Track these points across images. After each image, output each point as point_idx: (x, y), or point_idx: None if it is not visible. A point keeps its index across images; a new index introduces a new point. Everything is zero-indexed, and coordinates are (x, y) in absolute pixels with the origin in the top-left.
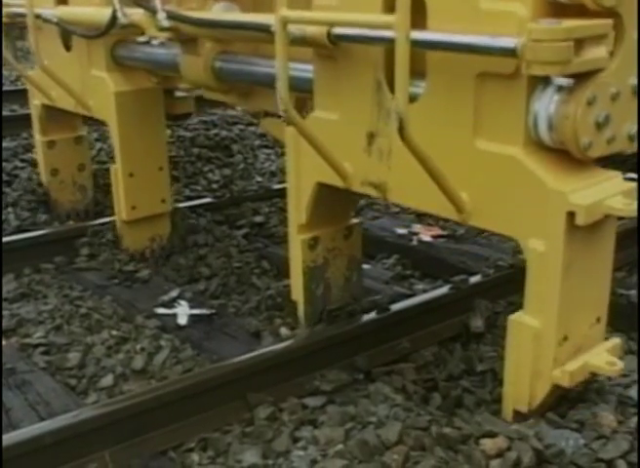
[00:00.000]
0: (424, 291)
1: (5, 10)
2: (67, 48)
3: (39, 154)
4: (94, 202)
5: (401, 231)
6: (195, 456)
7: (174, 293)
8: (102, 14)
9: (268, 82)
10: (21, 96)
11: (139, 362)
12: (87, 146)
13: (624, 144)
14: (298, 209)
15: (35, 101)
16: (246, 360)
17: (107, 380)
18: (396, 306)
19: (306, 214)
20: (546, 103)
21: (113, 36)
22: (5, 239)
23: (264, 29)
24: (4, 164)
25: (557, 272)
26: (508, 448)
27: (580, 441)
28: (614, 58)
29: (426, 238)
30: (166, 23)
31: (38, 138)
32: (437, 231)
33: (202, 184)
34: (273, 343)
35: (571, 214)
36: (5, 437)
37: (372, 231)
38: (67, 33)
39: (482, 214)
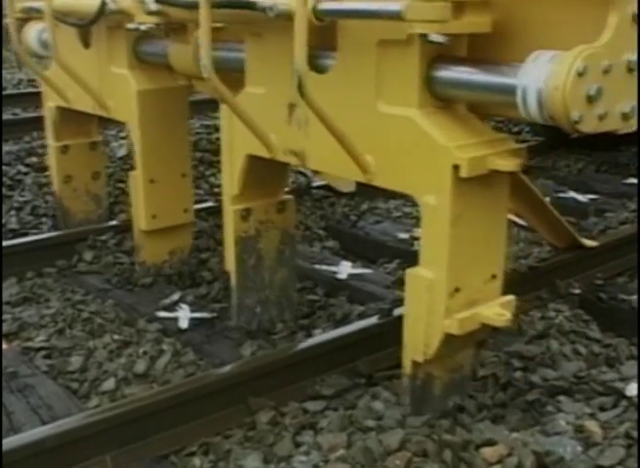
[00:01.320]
0: None
1: (19, 4)
2: (86, 45)
3: (51, 160)
4: (108, 212)
5: (402, 236)
6: (197, 461)
7: (175, 297)
8: (92, 2)
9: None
10: (24, 99)
11: (140, 366)
12: (102, 153)
13: (617, 123)
14: (230, 180)
15: (49, 103)
16: (247, 364)
17: (109, 384)
18: (398, 311)
19: (238, 186)
20: (536, 76)
21: (134, 31)
22: (7, 243)
23: (250, 6)
24: (7, 168)
25: (446, 224)
26: (509, 455)
27: (577, 448)
28: (605, 31)
29: None
30: (153, 7)
31: (51, 143)
32: None
33: (204, 188)
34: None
35: (456, 168)
36: (6, 441)
37: (373, 236)
38: (86, 29)
39: (385, 175)
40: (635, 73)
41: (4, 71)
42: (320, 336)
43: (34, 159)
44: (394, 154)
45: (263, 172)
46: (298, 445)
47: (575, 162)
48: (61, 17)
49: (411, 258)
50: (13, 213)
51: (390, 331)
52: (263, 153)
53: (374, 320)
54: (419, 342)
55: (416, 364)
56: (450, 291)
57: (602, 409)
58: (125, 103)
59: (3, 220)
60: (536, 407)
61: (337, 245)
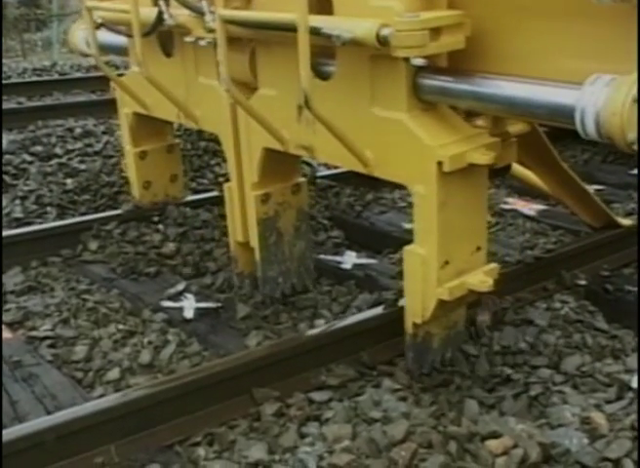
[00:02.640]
0: None
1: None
2: (167, 54)
3: (130, 167)
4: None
5: (407, 226)
6: (201, 451)
7: (180, 287)
8: (148, 14)
9: None
10: (29, 88)
11: (145, 356)
12: (179, 155)
13: None
14: (250, 170)
15: (126, 109)
16: (252, 354)
17: (114, 374)
18: (403, 301)
19: (258, 174)
20: (594, 100)
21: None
22: (12, 232)
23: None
24: (11, 157)
25: (434, 209)
26: (515, 446)
27: (583, 440)
28: None
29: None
30: (214, 25)
31: (128, 149)
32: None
33: (209, 178)
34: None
35: (440, 164)
36: (11, 430)
37: (378, 226)
38: (167, 38)
39: (382, 167)
40: None
41: (9, 60)
42: (325, 326)
43: (39, 148)
44: (389, 150)
45: (279, 161)
46: (303, 436)
47: (581, 153)
48: (113, 26)
49: None
50: (17, 202)
51: (396, 322)
52: (278, 147)
53: (379, 310)
54: (417, 307)
55: (415, 325)
56: (440, 263)
57: (607, 401)
58: (216, 114)
59: (8, 209)
60: (540, 399)
61: (341, 234)
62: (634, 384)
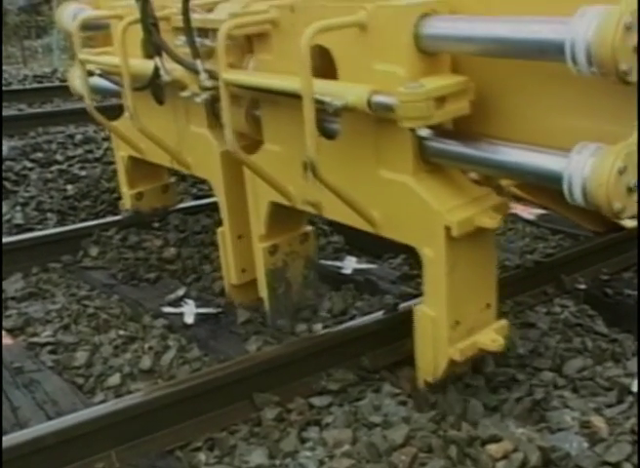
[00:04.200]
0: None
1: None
2: (159, 102)
3: (127, 206)
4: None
5: None
6: (202, 456)
7: (180, 292)
8: (145, 66)
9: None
10: (29, 95)
11: (146, 361)
12: (175, 193)
13: None
14: (257, 222)
15: (121, 153)
16: (252, 359)
17: (115, 379)
18: (404, 306)
19: (265, 227)
20: (580, 170)
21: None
22: (13, 238)
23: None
24: (12, 163)
25: (443, 272)
26: (515, 450)
27: (583, 444)
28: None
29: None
30: (208, 84)
31: (125, 191)
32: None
33: (208, 184)
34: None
35: (448, 228)
36: (12, 436)
37: None
38: (159, 86)
39: (389, 228)
40: None
41: (10, 67)
42: (325, 332)
43: (40, 154)
44: (396, 211)
45: (286, 213)
46: (303, 440)
47: None
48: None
49: (415, 254)
50: (18, 208)
51: (396, 327)
52: (285, 202)
53: (379, 315)
54: (428, 367)
55: (427, 382)
56: (451, 324)
57: (608, 404)
58: (207, 163)
59: (8, 216)
60: (541, 403)
61: (341, 240)
62: (634, 388)
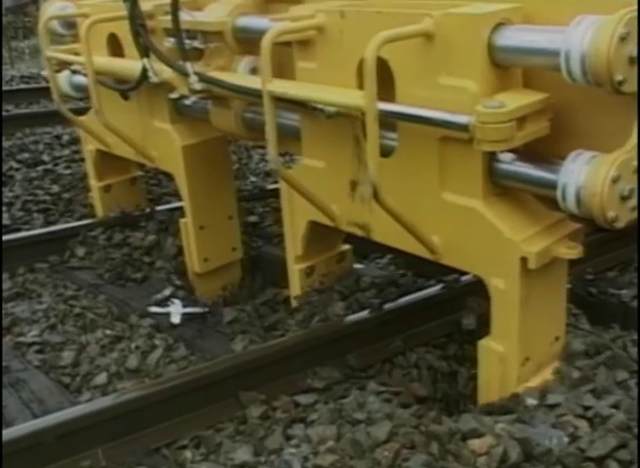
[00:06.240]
0: (417, 290)
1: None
2: (125, 97)
3: (95, 199)
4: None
5: None
6: (188, 454)
7: (167, 292)
8: (134, 67)
9: (292, 132)
10: (16, 96)
11: (133, 361)
12: (142, 187)
13: None
14: (294, 242)
15: (89, 146)
16: (238, 357)
17: (101, 379)
18: (389, 305)
19: (301, 247)
20: (575, 177)
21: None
22: None
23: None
24: None
25: (515, 306)
26: (496, 445)
27: (564, 439)
28: (632, 137)
29: None
30: (198, 86)
31: (93, 184)
32: None
33: None
34: None
35: (524, 259)
36: None
37: None
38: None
39: (452, 255)
40: None
41: None
42: (311, 330)
43: (26, 155)
44: (461, 238)
45: (324, 232)
46: (288, 438)
47: None
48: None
49: (402, 253)
50: (4, 208)
51: (382, 326)
52: (327, 222)
53: (365, 314)
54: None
55: None
56: (521, 361)
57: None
58: (170, 156)
59: None
60: (522, 397)
61: None
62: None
